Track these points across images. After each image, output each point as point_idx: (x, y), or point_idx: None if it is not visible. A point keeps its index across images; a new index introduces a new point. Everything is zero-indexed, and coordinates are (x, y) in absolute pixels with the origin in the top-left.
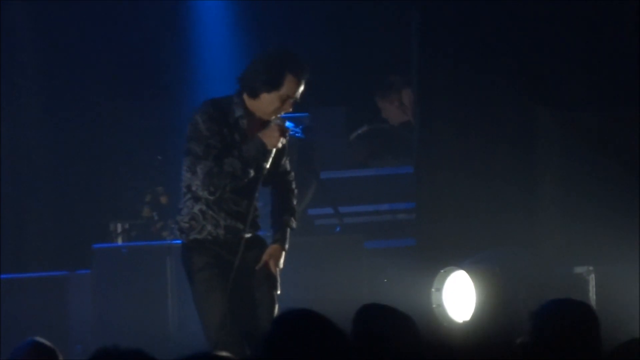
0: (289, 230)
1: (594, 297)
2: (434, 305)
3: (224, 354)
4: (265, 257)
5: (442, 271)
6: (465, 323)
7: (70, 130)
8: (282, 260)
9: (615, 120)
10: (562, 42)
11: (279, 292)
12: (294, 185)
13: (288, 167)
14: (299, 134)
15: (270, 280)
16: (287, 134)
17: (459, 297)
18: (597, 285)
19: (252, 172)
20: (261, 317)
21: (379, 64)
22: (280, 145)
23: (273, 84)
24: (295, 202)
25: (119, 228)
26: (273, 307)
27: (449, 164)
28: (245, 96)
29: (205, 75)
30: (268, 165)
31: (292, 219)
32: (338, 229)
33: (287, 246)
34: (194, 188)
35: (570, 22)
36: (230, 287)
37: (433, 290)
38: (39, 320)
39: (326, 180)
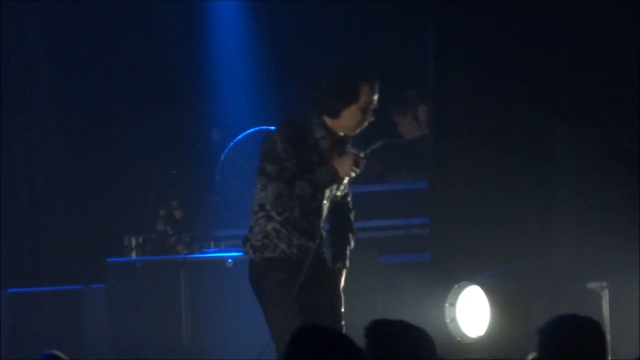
0: (349, 248)
1: (608, 312)
2: (447, 320)
3: None
4: (338, 279)
5: (456, 286)
6: (479, 338)
7: (85, 144)
8: (343, 279)
9: (631, 134)
10: (579, 56)
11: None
12: (351, 205)
13: (347, 187)
14: None
15: (337, 297)
16: (361, 165)
17: (472, 312)
18: (611, 300)
19: (320, 198)
20: (336, 323)
21: (394, 78)
22: (352, 175)
23: (351, 98)
24: (353, 221)
25: (133, 242)
26: (341, 315)
27: (464, 179)
28: (325, 117)
29: (221, 89)
30: (340, 194)
31: (352, 238)
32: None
33: (347, 264)
34: (267, 207)
35: (588, 36)
36: (300, 302)
37: (447, 305)
38: (54, 333)
39: None
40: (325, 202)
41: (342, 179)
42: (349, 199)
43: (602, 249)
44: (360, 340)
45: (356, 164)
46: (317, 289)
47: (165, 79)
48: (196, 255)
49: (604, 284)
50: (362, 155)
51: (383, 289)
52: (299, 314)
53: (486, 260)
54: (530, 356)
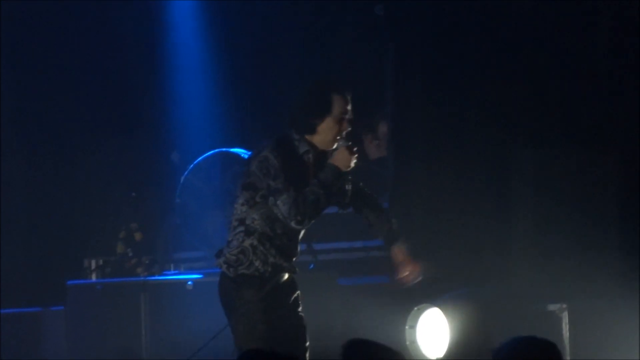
0: (392, 223)
1: (567, 334)
2: (407, 342)
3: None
4: (399, 257)
5: (416, 308)
6: None
7: (45, 166)
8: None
9: (589, 158)
10: (535, 78)
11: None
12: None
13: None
14: None
15: (303, 316)
16: (355, 153)
17: (432, 334)
18: (571, 322)
19: (332, 198)
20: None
21: (354, 100)
22: (353, 164)
23: (324, 110)
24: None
25: (93, 264)
26: (307, 341)
27: (423, 201)
28: (305, 135)
29: (180, 112)
30: (350, 187)
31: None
32: (312, 266)
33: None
34: (248, 222)
35: (545, 59)
36: (270, 322)
37: (407, 327)
38: (13, 355)
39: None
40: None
41: (347, 173)
42: (362, 185)
43: (561, 271)
44: None
45: (352, 152)
46: (289, 312)
47: (125, 102)
48: (156, 278)
49: (564, 305)
50: (349, 143)
51: (342, 311)
52: (266, 336)
53: (446, 282)
54: None
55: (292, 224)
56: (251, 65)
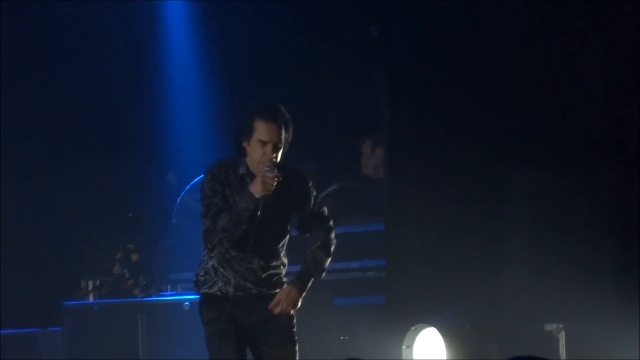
0: (312, 268)
1: (564, 354)
2: None
3: None
4: (278, 296)
5: (412, 328)
6: None
7: (41, 187)
8: (299, 302)
9: (584, 177)
10: (530, 102)
11: (297, 347)
12: (330, 235)
13: (324, 214)
14: None
15: (290, 335)
16: (271, 181)
17: (429, 354)
18: (568, 342)
19: (244, 226)
20: None
21: (349, 121)
22: (267, 192)
23: (247, 133)
24: (328, 251)
25: (90, 285)
26: None
27: (419, 222)
28: (244, 157)
29: (176, 133)
30: (259, 214)
31: (317, 268)
32: None
33: (304, 289)
34: (209, 245)
35: (538, 80)
36: (239, 342)
37: (404, 347)
38: None
39: (296, 237)
40: (262, 236)
41: (260, 199)
42: (328, 225)
43: (557, 291)
44: None
45: (268, 179)
46: (268, 329)
47: (122, 123)
48: (153, 298)
49: (561, 325)
50: (271, 170)
51: (338, 332)
52: (229, 350)
53: (442, 302)
54: None
55: (207, 250)
56: (246, 87)
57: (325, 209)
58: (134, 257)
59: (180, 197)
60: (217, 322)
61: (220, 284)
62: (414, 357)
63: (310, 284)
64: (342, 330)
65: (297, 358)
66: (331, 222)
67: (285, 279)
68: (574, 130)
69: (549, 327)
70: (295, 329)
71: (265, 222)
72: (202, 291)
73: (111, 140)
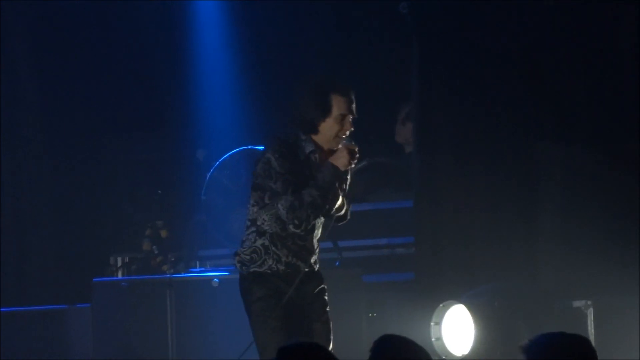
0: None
1: (593, 330)
2: (433, 339)
3: None
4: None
5: (441, 305)
6: (464, 357)
7: (70, 164)
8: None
9: (614, 154)
10: (563, 75)
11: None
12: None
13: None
14: None
15: (326, 312)
16: (356, 154)
17: (458, 330)
18: (596, 318)
19: (329, 198)
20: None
21: (380, 97)
22: (352, 165)
23: (324, 110)
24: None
25: (119, 262)
26: (330, 338)
27: (448, 198)
28: (311, 135)
29: (206, 109)
30: (347, 187)
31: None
32: (338, 263)
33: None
34: (259, 222)
35: (570, 56)
36: (285, 317)
37: (432, 323)
38: (39, 353)
39: None
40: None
41: (345, 172)
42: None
43: (587, 267)
44: (346, 358)
45: (351, 153)
46: (308, 303)
47: (152, 100)
48: (182, 275)
49: (589, 302)
50: (353, 143)
51: (367, 309)
52: (280, 329)
53: (471, 279)
54: None
55: (291, 227)
56: (276, 62)
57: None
58: (163, 233)
59: (210, 173)
60: (270, 299)
61: (270, 262)
62: (443, 334)
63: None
64: (370, 307)
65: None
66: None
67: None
68: (607, 104)
69: (577, 303)
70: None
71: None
72: (252, 270)
73: (141, 117)
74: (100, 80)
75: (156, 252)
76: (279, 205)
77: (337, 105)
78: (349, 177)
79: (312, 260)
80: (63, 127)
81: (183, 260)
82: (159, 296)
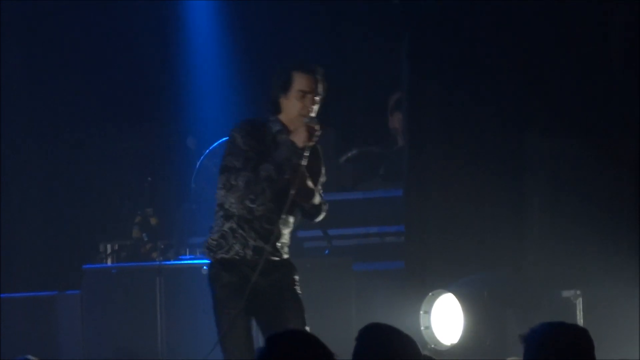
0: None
1: (582, 320)
2: (422, 328)
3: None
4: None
5: (430, 294)
6: (452, 346)
7: (60, 152)
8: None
9: (603, 146)
10: (552, 67)
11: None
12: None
13: (321, 179)
14: None
15: (300, 300)
16: (315, 131)
17: (447, 319)
18: (585, 308)
19: (285, 174)
20: None
21: (370, 86)
22: (311, 142)
23: (284, 87)
24: (316, 203)
25: (109, 249)
26: (303, 326)
27: (438, 188)
28: (278, 115)
29: (196, 97)
30: (305, 163)
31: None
32: (327, 251)
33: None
34: (226, 206)
35: (561, 47)
36: (250, 305)
37: (421, 312)
38: (28, 339)
39: None
40: (287, 195)
41: (302, 149)
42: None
43: (576, 257)
44: (336, 347)
45: (310, 130)
46: (278, 291)
47: (142, 88)
48: (172, 262)
49: (578, 292)
50: (314, 122)
51: (357, 297)
52: (241, 318)
53: (460, 268)
54: None
55: (247, 203)
56: (266, 51)
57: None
58: (153, 221)
59: (200, 161)
60: (232, 287)
61: (237, 248)
62: (432, 323)
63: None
64: (360, 295)
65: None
66: (325, 207)
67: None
68: (596, 98)
69: (566, 293)
70: (299, 286)
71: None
72: (219, 257)
73: (130, 105)
74: (89, 70)
75: (146, 239)
76: (239, 181)
77: (298, 82)
78: (323, 171)
79: (279, 246)
80: (53, 115)
81: (173, 247)
82: (149, 283)
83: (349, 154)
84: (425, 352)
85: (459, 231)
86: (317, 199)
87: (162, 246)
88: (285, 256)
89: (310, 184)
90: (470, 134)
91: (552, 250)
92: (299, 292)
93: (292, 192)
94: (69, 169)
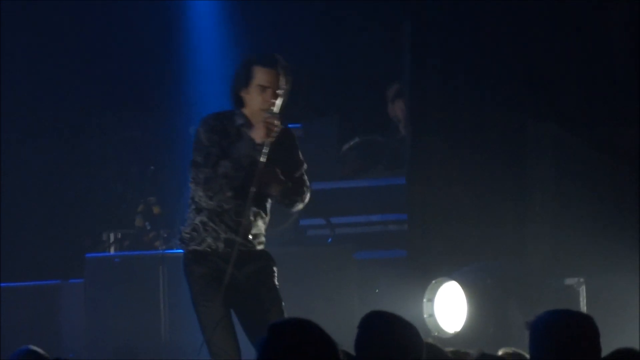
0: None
1: (585, 308)
2: (425, 316)
3: None
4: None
5: (433, 282)
6: (456, 333)
7: (63, 141)
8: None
9: (606, 135)
10: (555, 57)
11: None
12: (301, 180)
13: (305, 182)
14: None
15: (277, 291)
16: (273, 127)
17: (450, 307)
18: (588, 296)
19: (244, 170)
20: None
21: (372, 74)
22: (269, 138)
23: (245, 80)
24: (299, 191)
25: (112, 238)
26: (282, 316)
27: (441, 176)
28: (241, 109)
29: (198, 87)
30: (263, 159)
31: (295, 189)
32: (330, 240)
33: (280, 181)
34: (196, 199)
35: (563, 36)
36: (227, 297)
37: (425, 300)
38: (31, 328)
39: (318, 191)
40: (253, 188)
41: (262, 145)
42: (298, 174)
43: (578, 245)
44: (338, 336)
45: (268, 126)
46: (255, 282)
47: (144, 77)
48: (174, 251)
49: (581, 280)
50: (274, 117)
51: (359, 286)
52: (217, 309)
53: (463, 256)
54: (501, 351)
55: (207, 200)
56: (267, 40)
57: (306, 179)
58: (156, 209)
59: None
60: (207, 277)
61: (209, 240)
62: (435, 311)
63: (284, 188)
64: (363, 284)
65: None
66: (308, 188)
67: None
68: (598, 85)
69: (569, 281)
70: (279, 286)
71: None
72: (190, 248)
73: (134, 94)
74: (92, 58)
75: (149, 228)
76: (200, 177)
77: (258, 76)
78: (300, 157)
79: (251, 237)
80: (56, 104)
81: (175, 236)
82: (152, 272)
83: (352, 143)
84: (428, 340)
85: (462, 219)
86: (291, 191)
87: (165, 235)
88: (260, 247)
89: (275, 177)
90: (472, 122)
91: (554, 238)
92: (276, 282)
93: (253, 189)
94: (72, 158)
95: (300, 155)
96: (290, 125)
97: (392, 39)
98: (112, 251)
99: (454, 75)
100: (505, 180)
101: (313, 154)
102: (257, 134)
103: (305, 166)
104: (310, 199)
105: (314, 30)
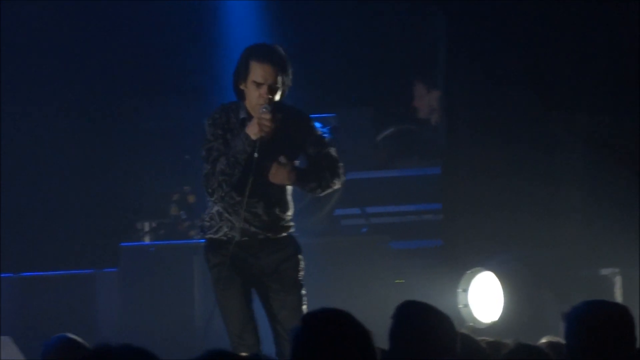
0: (306, 176)
1: (620, 298)
2: (460, 306)
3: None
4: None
5: (468, 272)
6: (492, 323)
7: (99, 130)
8: (288, 179)
9: (636, 121)
10: (588, 46)
11: (304, 291)
12: (330, 161)
13: (331, 155)
14: (326, 134)
15: (295, 280)
16: (266, 122)
17: (485, 297)
18: (624, 286)
19: (240, 166)
20: (286, 318)
21: (407, 65)
22: (262, 135)
23: (242, 75)
24: (326, 173)
25: (147, 227)
26: (299, 307)
27: (476, 166)
28: (243, 102)
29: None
30: (256, 155)
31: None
32: (365, 229)
33: (297, 177)
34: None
35: (589, 24)
36: (243, 285)
37: (460, 290)
38: (66, 317)
39: (353, 180)
40: (265, 181)
41: (257, 141)
42: (323, 154)
43: (614, 235)
44: (372, 326)
45: (264, 121)
46: (273, 272)
47: (179, 66)
48: None
49: (617, 270)
50: (267, 112)
51: (394, 275)
52: (234, 297)
53: (498, 246)
54: (544, 339)
55: (207, 195)
56: (297, 29)
57: (333, 151)
58: (191, 198)
59: None
60: (222, 267)
61: (225, 229)
62: (470, 301)
63: (303, 180)
64: (397, 273)
65: (304, 302)
66: (340, 166)
67: (292, 224)
68: (630, 76)
69: (605, 271)
70: (301, 274)
71: (263, 166)
72: (207, 236)
73: (169, 83)
74: (129, 48)
75: (184, 217)
76: (203, 172)
77: (253, 71)
78: (257, 144)
79: (270, 226)
80: (90, 92)
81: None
82: (186, 261)
83: (386, 132)
84: (462, 330)
85: (496, 209)
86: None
87: (199, 224)
88: (282, 234)
89: (282, 175)
90: (508, 112)
91: (590, 227)
92: (299, 269)
93: (249, 184)
94: (107, 147)
95: (320, 135)
96: (325, 115)
97: (428, 28)
98: (146, 240)
99: (489, 66)
100: (541, 169)
101: (348, 143)
102: (251, 130)
103: (328, 149)
104: (344, 188)
105: (350, 21)
